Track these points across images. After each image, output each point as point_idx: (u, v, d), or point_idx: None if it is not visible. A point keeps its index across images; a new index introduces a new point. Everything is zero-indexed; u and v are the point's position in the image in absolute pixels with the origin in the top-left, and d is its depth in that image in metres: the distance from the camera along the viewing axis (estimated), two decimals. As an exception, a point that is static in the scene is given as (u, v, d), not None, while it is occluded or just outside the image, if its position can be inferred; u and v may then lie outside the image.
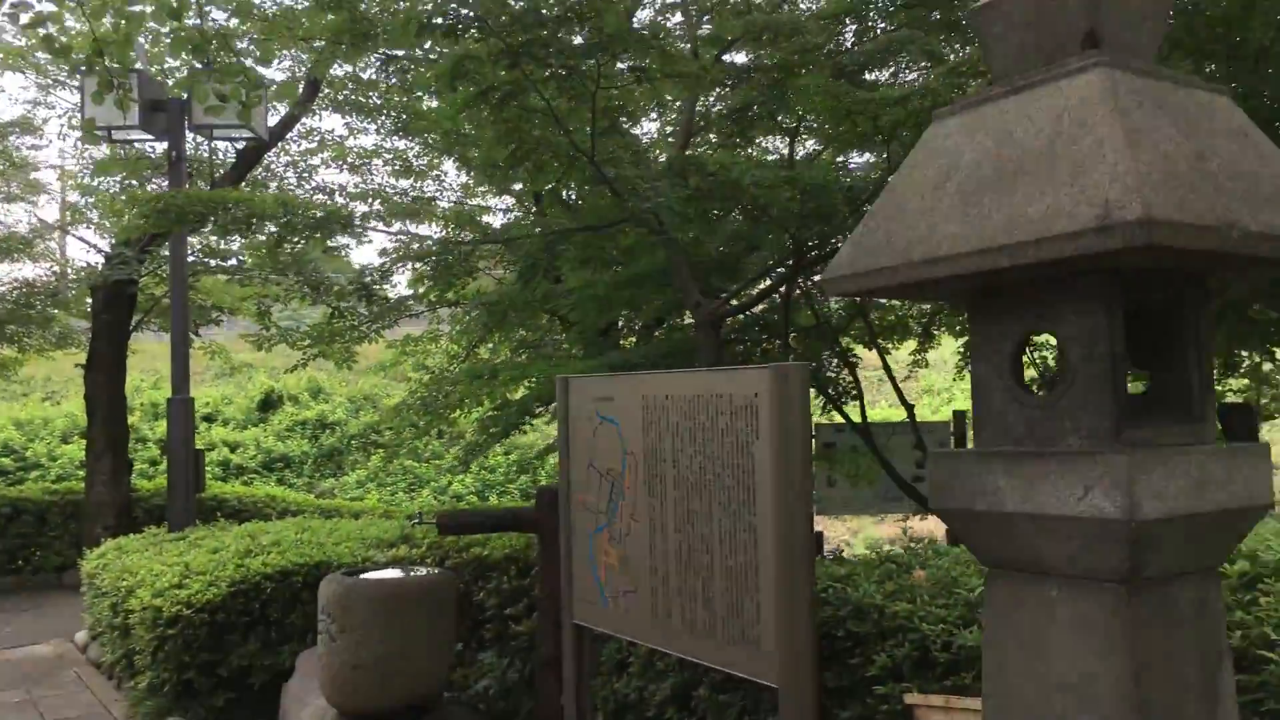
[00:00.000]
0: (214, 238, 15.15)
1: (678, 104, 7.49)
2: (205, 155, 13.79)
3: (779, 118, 6.81)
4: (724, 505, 4.01)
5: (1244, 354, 10.95)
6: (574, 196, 8.39)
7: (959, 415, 12.79)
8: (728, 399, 3.98)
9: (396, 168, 14.47)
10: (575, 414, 4.95)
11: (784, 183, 5.20)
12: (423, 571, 6.17)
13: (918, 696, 3.45)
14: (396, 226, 11.80)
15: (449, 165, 13.98)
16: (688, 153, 6.61)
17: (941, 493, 2.35)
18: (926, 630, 3.85)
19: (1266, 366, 11.49)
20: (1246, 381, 12.08)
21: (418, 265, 8.41)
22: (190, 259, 12.10)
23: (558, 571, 6.05)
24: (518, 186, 10.65)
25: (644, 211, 5.77)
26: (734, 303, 7.06)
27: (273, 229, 6.28)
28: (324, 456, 22.32)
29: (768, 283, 7.55)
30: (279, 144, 13.80)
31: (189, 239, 11.16)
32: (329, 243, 9.88)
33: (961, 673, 3.72)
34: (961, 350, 10.77)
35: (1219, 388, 12.50)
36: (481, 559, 6.94)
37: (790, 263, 6.51)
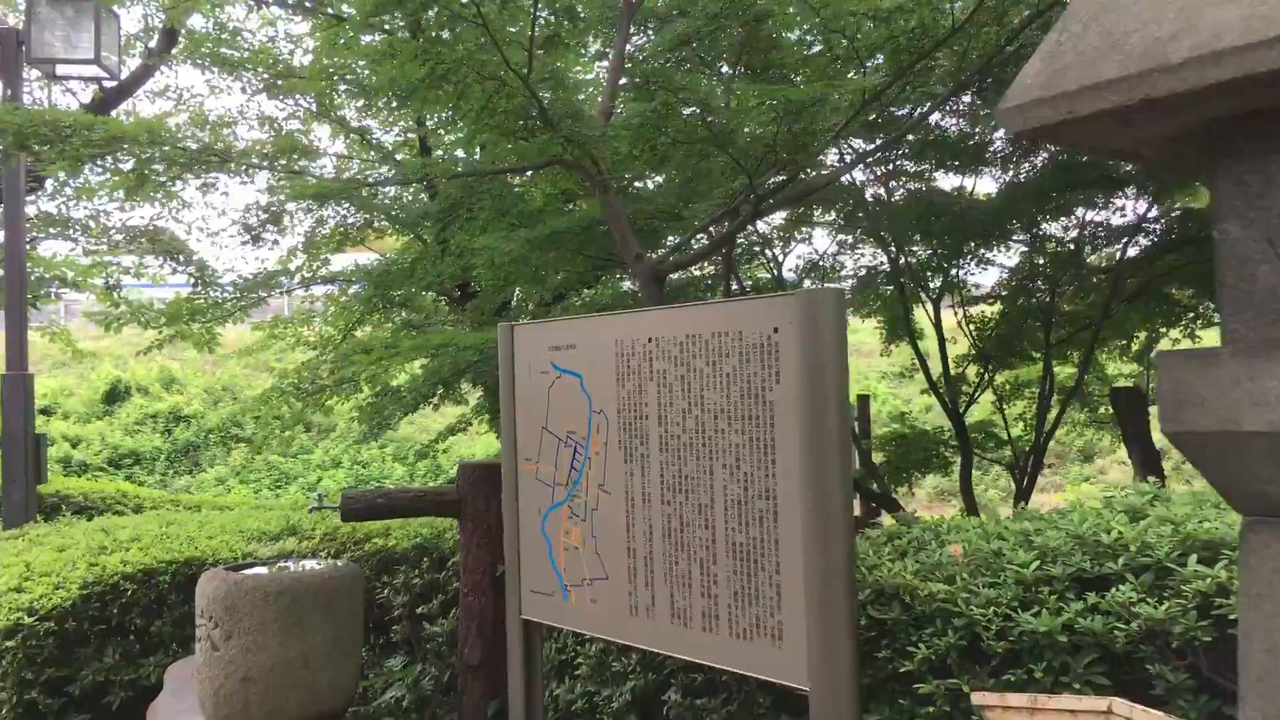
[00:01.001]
0: (52, 205, 13.58)
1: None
2: (46, 106, 12.27)
3: (721, 57, 6.11)
4: (730, 468, 3.26)
5: (1139, 335, 10.84)
6: (481, 147, 7.49)
7: (864, 400, 12.39)
8: (735, 337, 3.23)
9: (268, 134, 13.21)
10: (524, 368, 4.12)
11: (763, 101, 4.48)
12: (321, 566, 5.22)
13: (991, 696, 2.77)
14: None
15: (324, 132, 12.82)
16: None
17: (1180, 409, 1.65)
18: (976, 615, 3.18)
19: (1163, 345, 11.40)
20: (1136, 366, 12.01)
21: (311, 205, 7.39)
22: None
23: (487, 560, 5.22)
24: (429, 124, 9.64)
25: (581, 141, 4.97)
26: (675, 256, 6.32)
27: (153, 162, 5.22)
28: (179, 452, 20.64)
29: (712, 234, 6.83)
30: (129, 99, 12.40)
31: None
32: (201, 184, 8.69)
33: (1028, 664, 3.06)
34: (882, 324, 10.30)
35: (1112, 372, 12.41)
36: (386, 551, 6.03)
37: (740, 209, 5.80)
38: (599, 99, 6.23)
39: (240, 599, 4.66)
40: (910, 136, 6.81)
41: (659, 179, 6.96)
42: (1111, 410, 10.80)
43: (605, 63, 7.05)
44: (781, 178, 5.38)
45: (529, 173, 8.00)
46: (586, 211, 7.01)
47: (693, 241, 6.79)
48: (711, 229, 6.59)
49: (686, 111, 4.93)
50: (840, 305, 3.00)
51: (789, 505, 3.08)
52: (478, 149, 6.18)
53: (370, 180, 6.99)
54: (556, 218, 6.88)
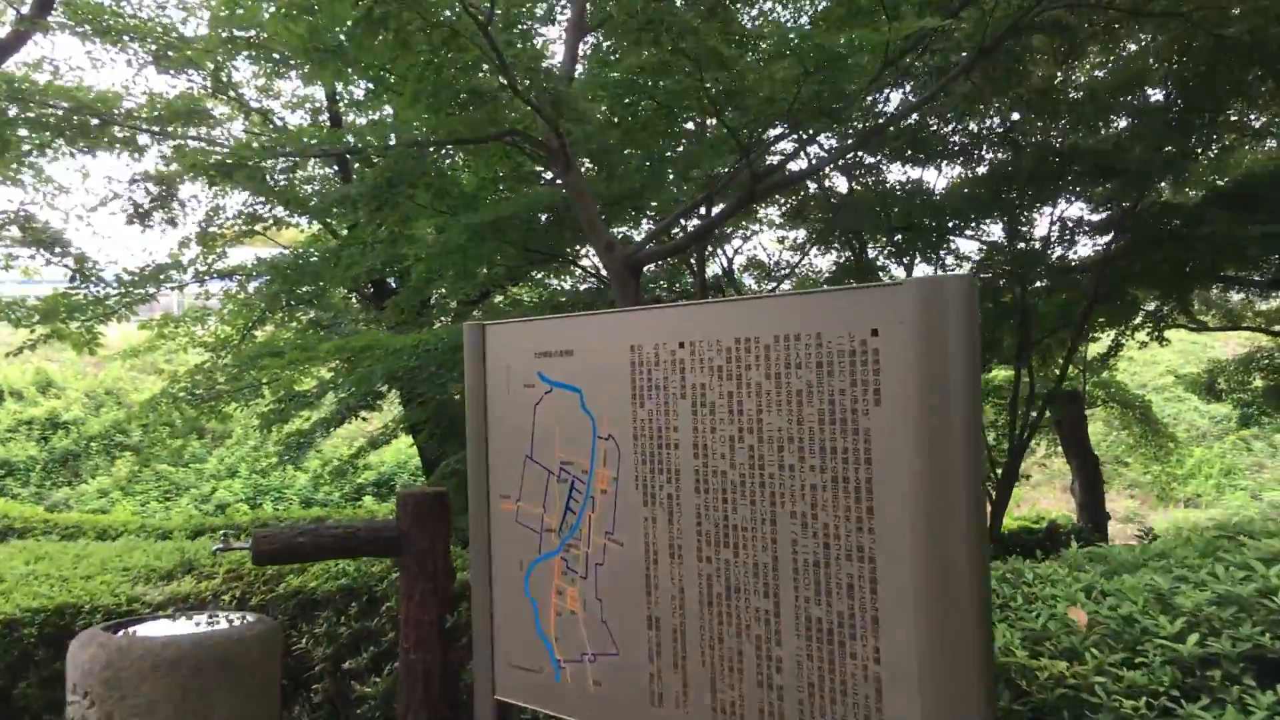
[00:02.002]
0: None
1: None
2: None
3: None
4: (802, 517, 2.43)
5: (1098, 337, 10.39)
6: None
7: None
8: (811, 342, 2.41)
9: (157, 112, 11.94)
10: (499, 379, 3.23)
11: (783, 51, 3.67)
12: (229, 619, 4.24)
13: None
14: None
15: (221, 110, 11.61)
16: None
17: None
18: (1126, 710, 2.41)
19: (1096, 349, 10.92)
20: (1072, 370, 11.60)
21: (208, 186, 6.32)
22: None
23: (434, 610, 4.31)
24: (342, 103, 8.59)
25: (550, 102, 4.09)
26: (653, 245, 5.45)
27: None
28: (56, 462, 18.95)
29: (684, 226, 5.97)
30: (-1, 68, 10.99)
31: None
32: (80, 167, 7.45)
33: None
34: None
35: (1043, 375, 11.95)
36: (304, 593, 5.07)
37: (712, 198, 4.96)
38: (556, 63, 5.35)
39: (124, 670, 3.68)
40: (901, 123, 6.09)
41: (618, 169, 6.11)
42: (1048, 414, 10.31)
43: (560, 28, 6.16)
44: (786, 150, 4.59)
45: (465, 156, 7.07)
46: (536, 196, 6.12)
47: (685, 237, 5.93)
48: (684, 222, 5.76)
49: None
50: (972, 300, 2.19)
51: (894, 571, 2.27)
52: (417, 124, 5.28)
53: (285, 151, 5.96)
54: (500, 203, 5.96)
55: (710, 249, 8.44)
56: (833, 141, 6.15)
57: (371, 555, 4.61)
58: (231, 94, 11.14)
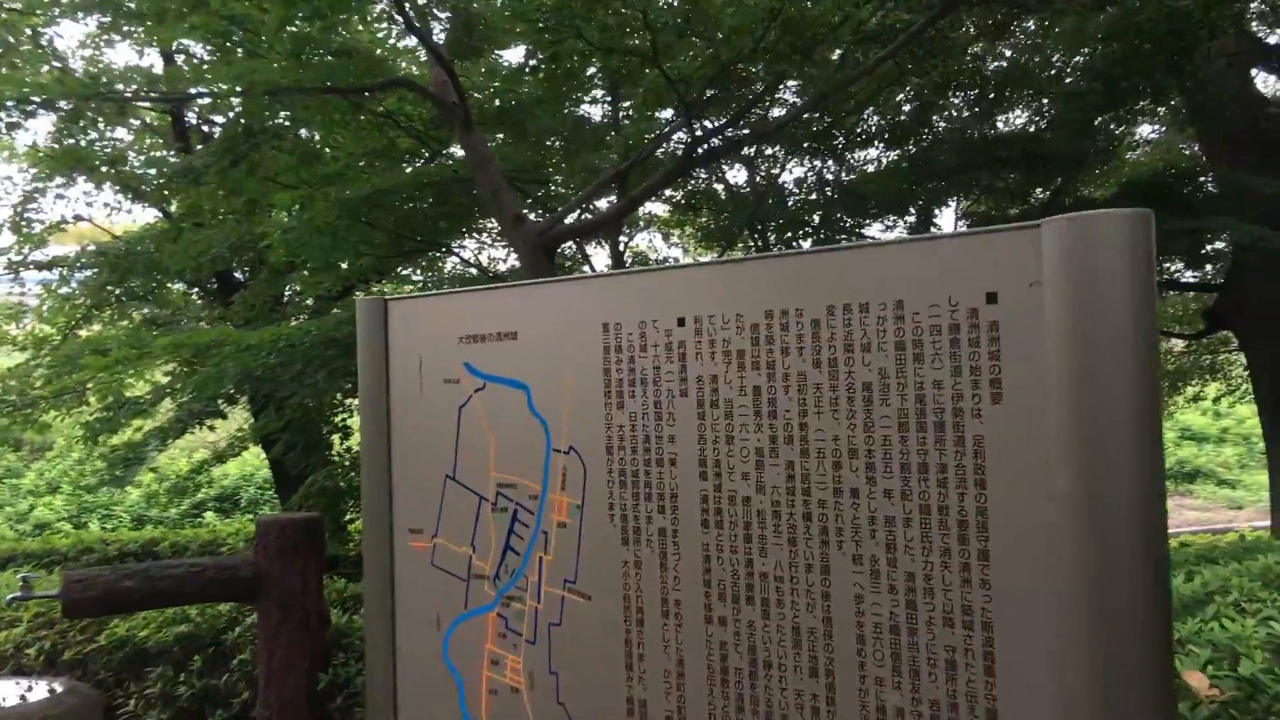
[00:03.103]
0: None
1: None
2: None
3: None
4: (872, 563, 1.71)
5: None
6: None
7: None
8: (889, 315, 1.70)
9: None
10: (406, 372, 2.41)
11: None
12: (31, 687, 3.26)
13: None
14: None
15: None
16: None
17: None
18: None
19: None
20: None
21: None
22: None
23: (303, 667, 3.46)
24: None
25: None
26: (571, 220, 4.64)
27: None
28: None
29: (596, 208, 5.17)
30: None
31: None
32: None
33: None
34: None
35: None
36: (132, 645, 4.10)
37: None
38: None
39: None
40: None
41: (530, 131, 5.27)
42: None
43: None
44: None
45: (328, 127, 6.12)
46: (422, 170, 5.26)
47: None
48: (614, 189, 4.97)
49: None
50: (1148, 249, 1.51)
51: (1021, 644, 1.56)
52: (279, 69, 4.36)
53: (108, 93, 4.87)
54: (377, 177, 5.07)
55: (603, 240, 7.69)
56: (785, 107, 5.44)
57: (224, 601, 3.69)
58: (55, 65, 9.80)
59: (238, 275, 10.28)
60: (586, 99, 5.01)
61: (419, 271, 10.07)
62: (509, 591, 2.21)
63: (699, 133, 3.91)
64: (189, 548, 8.53)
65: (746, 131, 4.54)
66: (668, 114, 4.43)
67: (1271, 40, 7.58)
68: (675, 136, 4.91)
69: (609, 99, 4.73)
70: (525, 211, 4.15)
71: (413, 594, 2.40)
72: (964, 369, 1.62)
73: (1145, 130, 8.39)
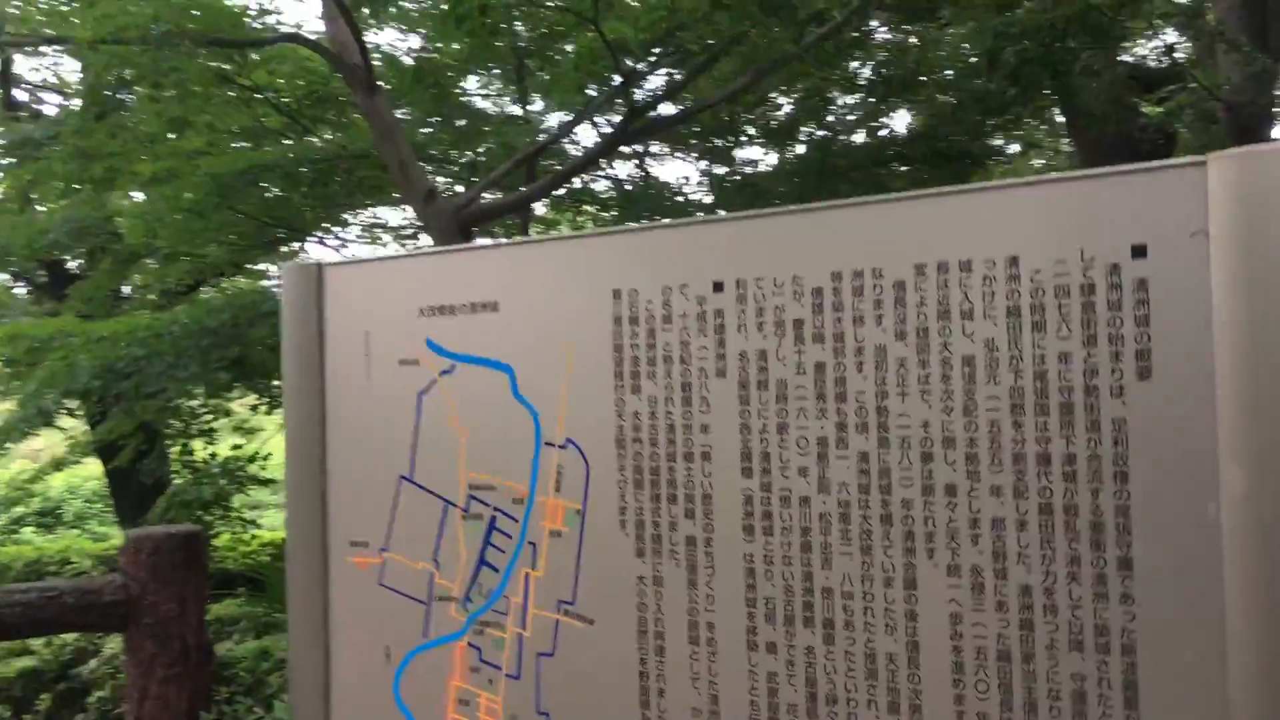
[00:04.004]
0: None
1: None
2: None
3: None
4: (975, 575, 1.41)
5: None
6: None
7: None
8: (1000, 273, 1.41)
9: None
10: (347, 352, 1.99)
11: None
12: None
13: None
14: None
15: None
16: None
17: None
18: None
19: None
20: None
21: None
22: None
23: (183, 709, 2.95)
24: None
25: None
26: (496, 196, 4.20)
27: None
28: None
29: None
30: None
31: None
32: None
33: None
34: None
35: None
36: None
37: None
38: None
39: None
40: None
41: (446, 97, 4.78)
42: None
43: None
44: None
45: (188, 98, 5.51)
46: (307, 149, 4.75)
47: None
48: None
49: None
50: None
51: (1173, 674, 1.29)
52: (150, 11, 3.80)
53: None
54: (257, 152, 4.55)
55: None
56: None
57: (85, 630, 3.13)
58: None
59: (71, 266, 9.38)
60: (498, 70, 4.60)
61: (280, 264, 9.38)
62: (483, 616, 1.82)
63: (637, 105, 3.58)
64: (12, 567, 7.69)
65: (689, 103, 4.24)
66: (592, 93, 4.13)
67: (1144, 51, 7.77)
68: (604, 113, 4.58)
69: (517, 74, 4.33)
70: (437, 185, 3.72)
71: (354, 621, 1.98)
72: (1100, 339, 1.34)
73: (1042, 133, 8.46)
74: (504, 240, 1.90)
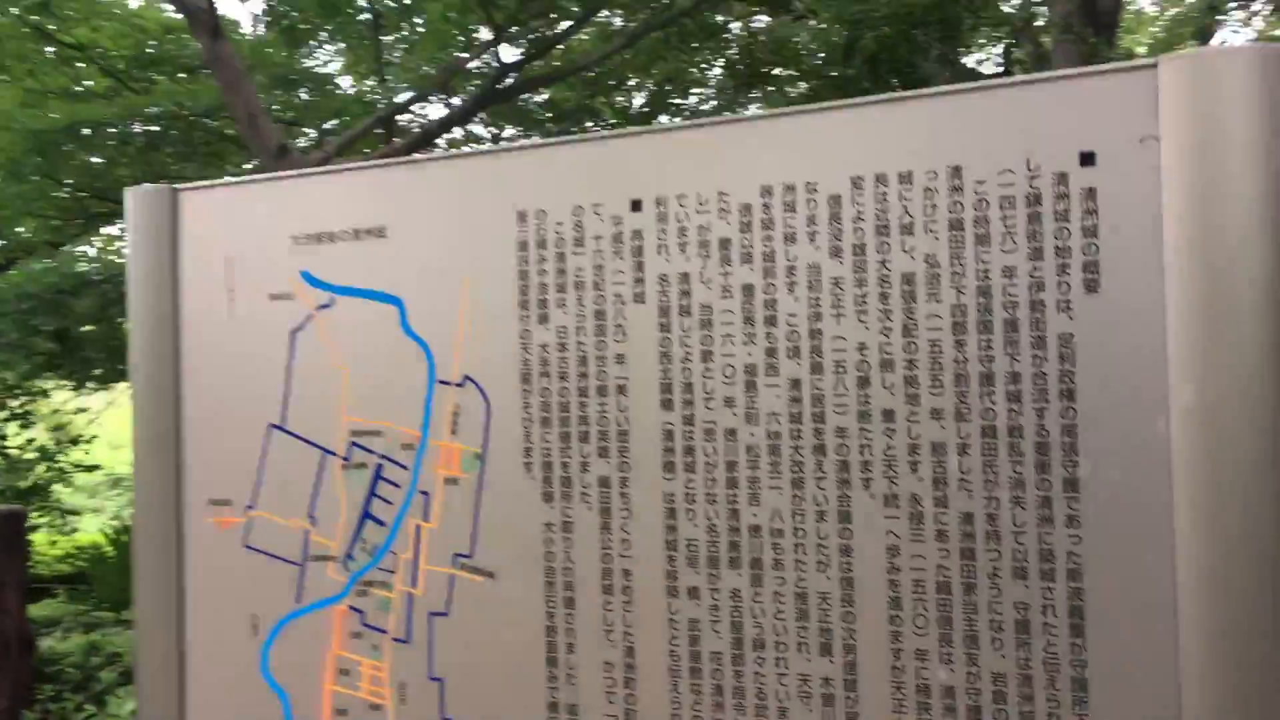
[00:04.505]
0: None
1: None
2: None
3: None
4: (913, 504, 1.34)
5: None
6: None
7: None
8: (942, 184, 1.35)
9: None
10: (209, 287, 1.78)
11: None
12: None
13: None
14: None
15: None
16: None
17: None
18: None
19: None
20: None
21: None
22: None
23: (4, 709, 2.67)
24: None
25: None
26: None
27: None
28: None
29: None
30: None
31: None
32: None
33: None
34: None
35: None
36: None
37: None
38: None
39: None
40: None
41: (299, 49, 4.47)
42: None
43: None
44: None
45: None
46: (134, 102, 4.38)
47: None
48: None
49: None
50: None
51: (1119, 600, 1.25)
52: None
53: None
54: (85, 107, 4.18)
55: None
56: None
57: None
58: None
59: None
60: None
61: (99, 241, 8.74)
62: (367, 575, 1.64)
63: (507, 60, 3.44)
64: None
65: (558, 64, 4.11)
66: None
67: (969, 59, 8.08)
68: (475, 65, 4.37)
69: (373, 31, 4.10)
70: (289, 141, 3.46)
71: (214, 590, 1.76)
72: (1046, 251, 1.28)
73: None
74: (393, 159, 1.73)
